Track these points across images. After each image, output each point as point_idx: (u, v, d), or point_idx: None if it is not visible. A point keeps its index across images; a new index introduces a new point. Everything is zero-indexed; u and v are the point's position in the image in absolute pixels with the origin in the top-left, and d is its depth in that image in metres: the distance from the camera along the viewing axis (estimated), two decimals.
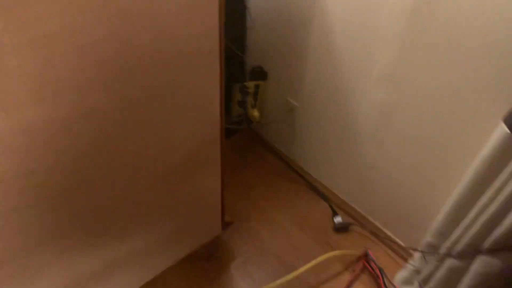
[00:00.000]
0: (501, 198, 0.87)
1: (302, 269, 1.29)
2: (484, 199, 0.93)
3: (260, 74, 1.59)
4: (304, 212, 1.56)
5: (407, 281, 1.26)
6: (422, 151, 1.16)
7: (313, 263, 1.31)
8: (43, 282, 0.91)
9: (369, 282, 1.34)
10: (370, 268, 1.35)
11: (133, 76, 0.77)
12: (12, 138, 0.67)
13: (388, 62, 1.12)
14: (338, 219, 1.50)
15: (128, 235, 1.03)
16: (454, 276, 1.04)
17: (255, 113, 1.64)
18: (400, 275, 1.29)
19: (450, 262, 1.05)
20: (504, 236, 0.88)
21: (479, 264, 0.96)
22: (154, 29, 0.75)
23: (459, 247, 1.01)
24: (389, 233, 1.42)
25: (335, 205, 1.57)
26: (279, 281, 1.25)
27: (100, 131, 0.79)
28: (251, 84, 1.59)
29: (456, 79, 0.98)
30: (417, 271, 1.24)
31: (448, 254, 1.05)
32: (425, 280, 1.17)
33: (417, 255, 1.24)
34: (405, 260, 1.36)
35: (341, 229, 1.49)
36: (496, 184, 0.89)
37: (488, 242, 0.93)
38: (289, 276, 1.26)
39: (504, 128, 0.85)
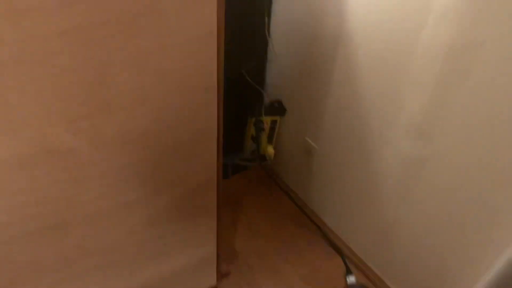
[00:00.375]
0: None
1: None
2: None
3: (278, 109, 1.46)
4: (314, 266, 1.40)
5: None
6: (455, 213, 0.99)
7: None
8: None
9: None
10: None
11: (109, 114, 0.67)
12: None
13: (419, 110, 0.97)
14: (351, 279, 1.33)
15: None
16: None
17: (270, 150, 1.51)
18: None
19: None
20: None
21: None
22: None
23: None
24: None
25: (350, 262, 1.39)
26: None
27: (70, 172, 0.68)
28: (267, 119, 1.47)
29: (502, 137, 0.82)
30: None
31: None
32: None
33: None
34: None
35: None
36: None
37: None
38: None
39: None
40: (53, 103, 0.60)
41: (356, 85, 1.13)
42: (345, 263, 1.39)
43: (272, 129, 1.50)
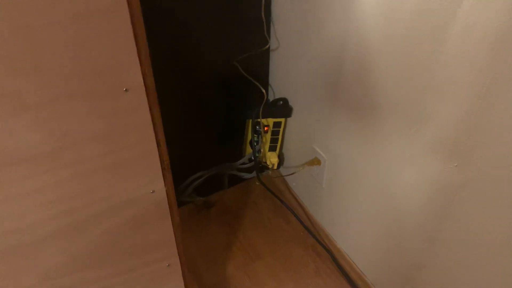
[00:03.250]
0: None
1: None
2: None
3: (283, 109, 1.20)
4: None
5: None
6: (496, 262, 0.70)
7: None
8: None
9: None
10: None
11: None
12: None
13: (452, 121, 0.68)
14: None
15: None
16: None
17: (273, 159, 1.26)
18: None
19: None
20: None
21: None
22: None
23: None
24: None
25: None
26: None
27: None
28: (269, 121, 1.21)
29: None
30: None
31: None
32: None
33: None
34: None
35: None
36: None
37: None
38: None
39: None
40: None
41: (369, 88, 0.85)
42: None
43: (275, 133, 1.25)
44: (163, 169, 0.66)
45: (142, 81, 0.55)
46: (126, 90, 0.55)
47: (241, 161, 1.25)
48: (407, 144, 0.80)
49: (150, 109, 0.58)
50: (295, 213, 1.30)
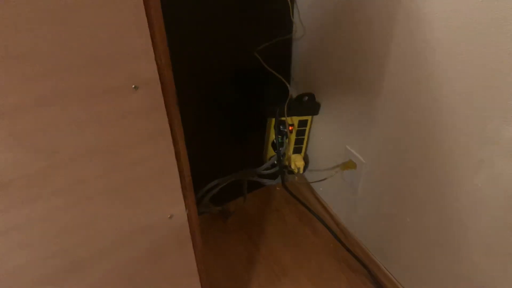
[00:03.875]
0: None
1: None
2: None
3: (309, 105, 1.05)
4: None
5: None
6: None
7: None
8: None
9: None
10: None
11: None
12: None
13: None
14: None
15: None
16: None
17: (298, 162, 1.11)
18: None
19: None
20: None
21: None
22: None
23: None
24: None
25: None
26: None
27: None
28: (294, 120, 1.06)
29: None
30: None
31: None
32: None
33: None
34: None
35: None
36: None
37: None
38: None
39: None
40: None
41: (428, 80, 0.69)
42: None
43: (301, 132, 1.10)
44: (183, 187, 0.52)
45: (157, 74, 0.40)
46: (135, 87, 0.40)
47: (264, 166, 1.10)
48: (476, 145, 0.65)
49: (168, 111, 0.44)
50: (324, 222, 1.15)
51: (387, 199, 0.93)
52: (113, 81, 0.38)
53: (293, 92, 1.09)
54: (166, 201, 0.51)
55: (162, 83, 0.41)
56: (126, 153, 0.44)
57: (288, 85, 1.01)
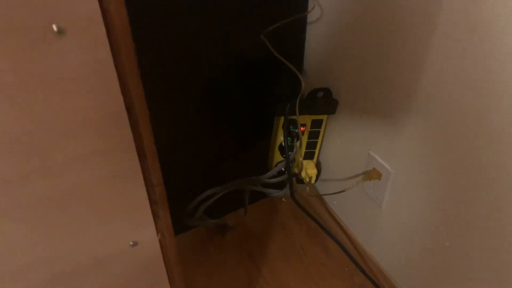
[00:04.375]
0: None
1: None
2: None
3: (325, 102, 0.88)
4: None
5: None
6: None
7: None
8: None
9: None
10: None
11: None
12: None
13: None
14: None
15: None
16: None
17: (310, 170, 0.93)
18: None
19: None
20: None
21: None
22: None
23: None
24: None
25: None
26: None
27: None
28: (306, 119, 0.89)
29: None
30: None
31: None
32: None
33: None
34: None
35: None
36: None
37: None
38: None
39: None
40: None
41: (484, 85, 0.52)
42: None
43: (314, 134, 0.92)
44: (152, 202, 0.34)
45: (98, 7, 0.23)
46: (59, 30, 0.23)
47: (269, 174, 0.92)
48: None
49: (122, 79, 0.26)
50: (338, 241, 0.97)
51: (420, 217, 0.76)
52: (25, 19, 0.21)
53: (306, 86, 0.92)
54: (126, 223, 0.34)
55: (109, 24, 0.24)
56: (56, 148, 0.27)
57: (300, 77, 0.84)
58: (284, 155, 0.91)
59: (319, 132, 0.92)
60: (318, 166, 0.99)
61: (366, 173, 0.85)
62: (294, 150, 0.89)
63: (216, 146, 0.93)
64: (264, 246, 1.04)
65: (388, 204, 0.83)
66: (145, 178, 0.32)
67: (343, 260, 1.00)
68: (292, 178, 0.89)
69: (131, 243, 0.35)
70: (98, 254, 0.34)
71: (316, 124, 0.91)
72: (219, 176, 0.95)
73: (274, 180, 0.93)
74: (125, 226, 0.34)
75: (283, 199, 1.15)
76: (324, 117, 0.90)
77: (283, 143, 0.91)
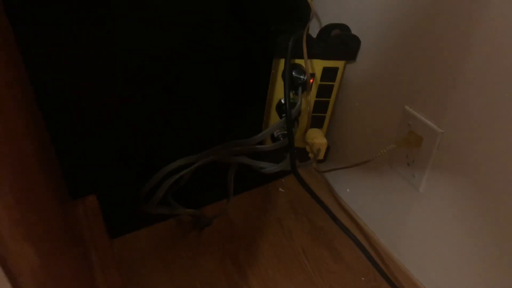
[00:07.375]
0: None
1: None
2: None
3: (341, 44, 0.63)
4: None
5: None
6: None
7: None
8: None
9: None
10: None
11: None
12: None
13: None
14: None
15: None
16: None
17: (319, 140, 0.68)
18: None
19: None
20: None
21: None
22: None
23: None
24: None
25: None
26: None
27: None
28: (315, 66, 0.64)
29: None
30: None
31: None
32: None
33: None
34: None
35: None
36: None
37: None
38: None
39: None
40: None
41: None
42: None
43: (325, 90, 0.67)
44: None
45: None
46: None
47: (259, 135, 0.65)
48: None
49: None
50: (359, 241, 0.71)
51: (481, 206, 0.50)
52: None
53: (316, 18, 0.68)
54: None
55: None
56: None
57: (309, 1, 0.60)
58: (282, 115, 0.65)
59: (332, 87, 0.68)
60: (329, 135, 0.73)
61: (403, 139, 0.59)
62: (297, 106, 0.63)
63: (191, 102, 0.68)
64: (253, 249, 0.77)
65: (430, 185, 0.58)
66: None
67: (358, 267, 0.74)
68: (293, 142, 0.63)
69: None
70: None
71: (329, 74, 0.66)
72: (194, 145, 0.70)
73: (267, 149, 0.66)
74: None
75: (280, 189, 0.90)
76: (340, 63, 0.65)
77: (282, 100, 0.65)
